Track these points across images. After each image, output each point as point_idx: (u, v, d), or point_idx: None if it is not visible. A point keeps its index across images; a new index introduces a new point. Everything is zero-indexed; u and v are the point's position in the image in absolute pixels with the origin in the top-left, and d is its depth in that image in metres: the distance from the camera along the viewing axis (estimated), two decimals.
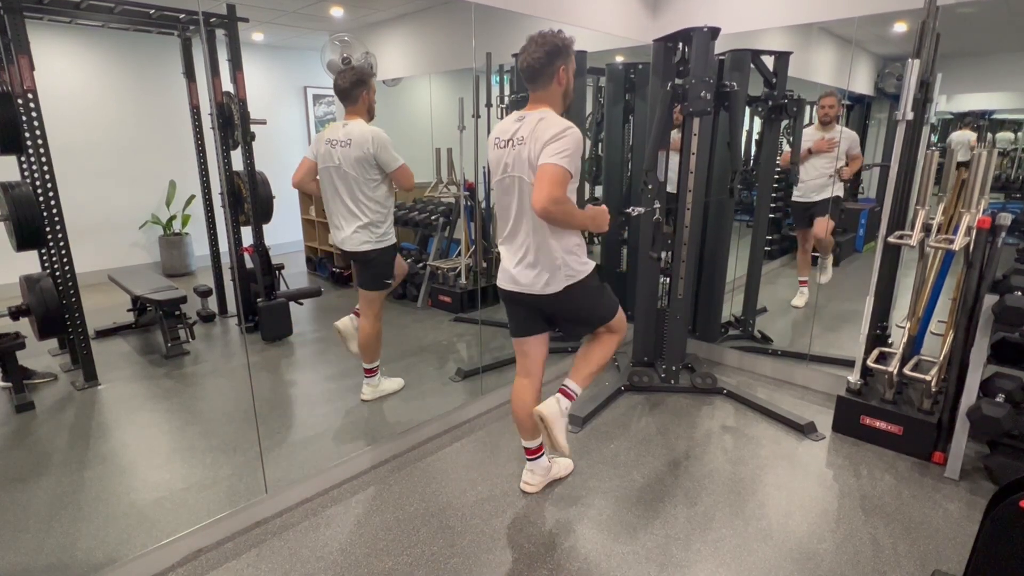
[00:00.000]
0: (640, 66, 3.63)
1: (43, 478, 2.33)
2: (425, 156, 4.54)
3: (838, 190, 3.72)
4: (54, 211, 2.90)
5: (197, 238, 4.91)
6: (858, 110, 3.96)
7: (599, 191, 4.20)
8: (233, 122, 3.68)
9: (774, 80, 3.20)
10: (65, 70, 4.39)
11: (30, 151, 2.80)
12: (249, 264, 3.94)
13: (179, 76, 4.00)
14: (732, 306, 3.85)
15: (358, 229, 2.63)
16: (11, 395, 2.89)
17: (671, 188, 3.10)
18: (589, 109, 3.97)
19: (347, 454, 2.45)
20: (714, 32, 2.81)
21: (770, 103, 3.24)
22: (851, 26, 3.07)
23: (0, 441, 2.63)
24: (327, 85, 5.33)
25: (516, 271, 1.99)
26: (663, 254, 3.06)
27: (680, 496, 2.29)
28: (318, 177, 2.69)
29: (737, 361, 3.61)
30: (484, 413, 2.96)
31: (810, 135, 3.71)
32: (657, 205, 2.92)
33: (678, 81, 2.81)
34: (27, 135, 2.78)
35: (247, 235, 3.92)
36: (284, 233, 5.04)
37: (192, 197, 4.87)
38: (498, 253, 2.09)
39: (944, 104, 3.64)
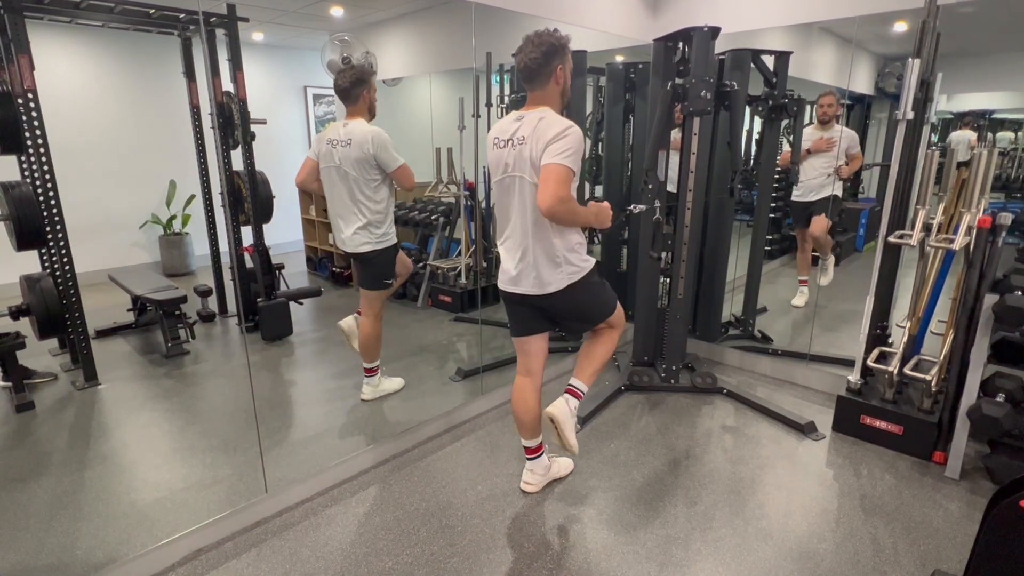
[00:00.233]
0: (640, 66, 3.62)
1: (43, 478, 2.33)
2: (425, 156, 4.53)
3: (837, 189, 3.72)
4: (54, 211, 2.90)
5: (197, 238, 4.92)
6: (858, 110, 3.96)
7: (599, 191, 4.20)
8: (233, 122, 3.68)
9: (774, 80, 3.19)
10: (65, 70, 4.39)
11: (30, 151, 2.80)
12: (249, 264, 3.94)
13: (179, 76, 4.00)
14: (732, 306, 3.85)
15: (358, 230, 2.63)
16: (11, 395, 2.89)
17: (671, 187, 3.10)
18: (589, 109, 3.97)
19: (347, 454, 2.46)
20: (714, 32, 2.80)
21: (770, 103, 3.24)
22: (851, 26, 3.07)
23: (0, 441, 2.63)
24: (327, 85, 5.34)
25: (517, 272, 1.99)
26: (663, 254, 3.06)
27: (680, 496, 2.29)
28: (320, 177, 2.69)
29: (737, 361, 3.61)
30: (484, 413, 2.96)
31: (809, 135, 3.71)
32: (657, 204, 2.92)
33: (678, 81, 2.81)
34: (27, 135, 2.78)
35: (247, 235, 3.92)
36: (284, 233, 5.04)
37: (192, 197, 4.87)
38: (498, 253, 2.08)
39: (944, 104, 3.64)
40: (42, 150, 2.82)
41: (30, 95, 2.75)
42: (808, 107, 3.65)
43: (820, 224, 3.76)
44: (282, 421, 2.83)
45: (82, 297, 3.06)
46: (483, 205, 4.45)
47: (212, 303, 4.19)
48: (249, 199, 3.80)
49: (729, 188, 3.31)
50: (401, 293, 4.67)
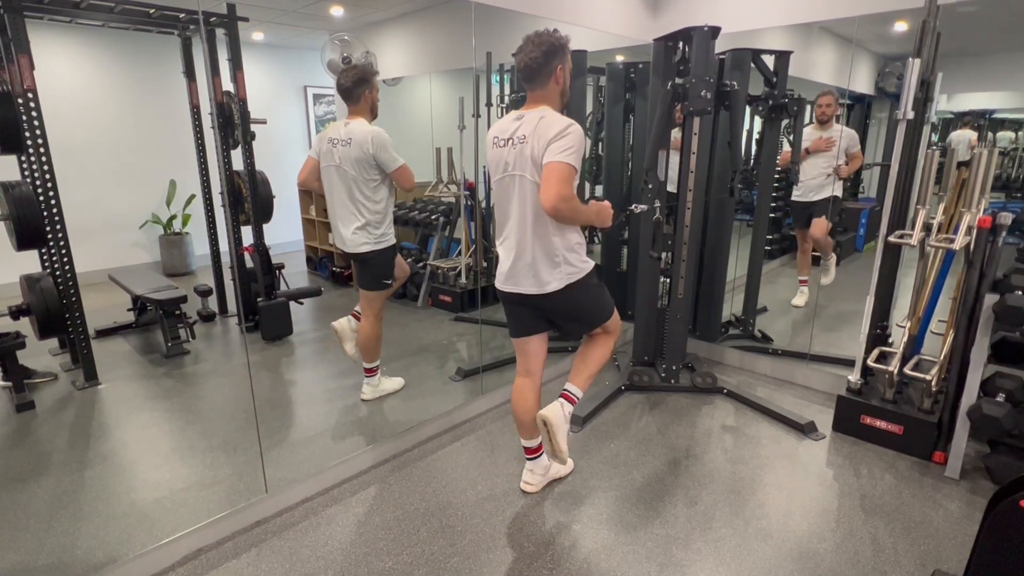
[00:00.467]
0: (640, 65, 3.62)
1: (43, 478, 2.33)
2: (425, 155, 4.53)
3: (837, 190, 3.72)
4: (54, 210, 2.90)
5: (197, 238, 4.92)
6: (859, 109, 3.96)
7: (599, 190, 4.20)
8: (233, 121, 3.68)
9: (774, 79, 3.19)
10: (65, 70, 4.39)
11: (30, 150, 2.80)
12: (249, 264, 3.94)
13: (179, 75, 4.00)
14: (732, 305, 3.85)
15: (357, 230, 2.62)
16: (11, 394, 2.89)
17: (671, 188, 3.10)
18: (589, 108, 3.97)
19: (347, 453, 2.46)
20: (714, 31, 2.80)
21: (770, 102, 3.24)
22: (852, 25, 3.07)
23: (0, 440, 2.63)
24: (327, 84, 5.36)
25: (515, 272, 1.98)
26: (663, 255, 3.06)
27: (680, 495, 2.29)
28: (320, 176, 2.69)
29: (737, 360, 3.61)
30: (484, 412, 2.96)
31: (808, 135, 3.70)
32: (657, 204, 2.92)
33: (678, 80, 2.80)
34: (27, 134, 2.78)
35: (247, 234, 3.92)
36: (284, 232, 5.04)
37: (192, 196, 4.87)
38: (498, 253, 2.08)
39: (944, 103, 3.64)
40: (42, 150, 2.82)
41: (30, 95, 2.75)
42: (808, 107, 3.64)
43: (821, 226, 3.76)
44: (282, 421, 2.83)
45: (82, 297, 3.06)
46: (483, 205, 4.45)
47: (212, 303, 4.19)
48: (249, 199, 3.80)
49: (729, 188, 3.30)
50: (401, 293, 4.67)
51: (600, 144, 4.14)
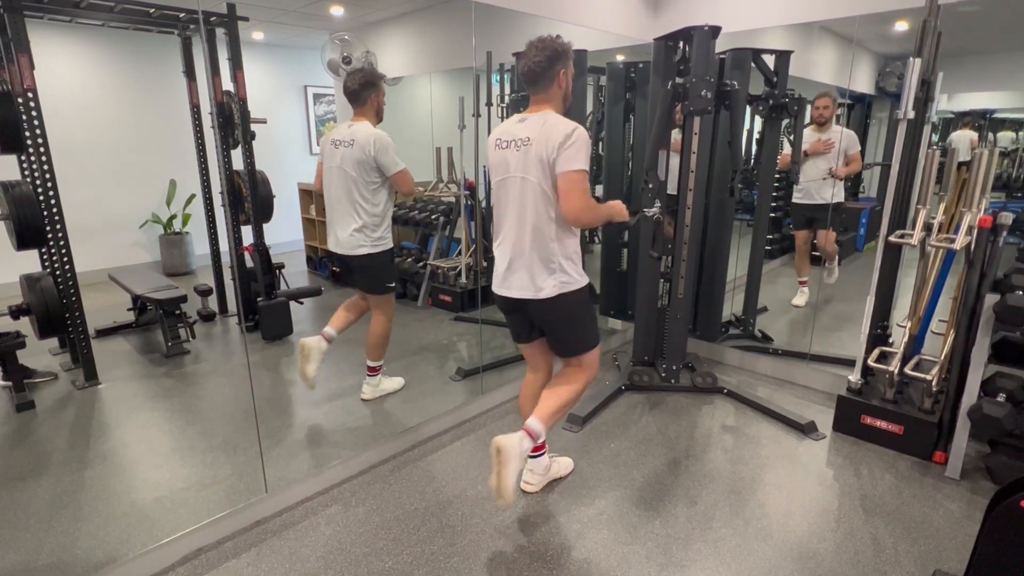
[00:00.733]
0: (641, 65, 3.62)
1: (43, 477, 2.33)
2: (425, 155, 4.53)
3: (839, 194, 3.72)
4: (54, 210, 2.90)
5: (197, 237, 4.92)
6: (859, 109, 3.95)
7: (599, 190, 4.20)
8: (233, 121, 3.68)
9: (775, 79, 3.19)
10: (65, 69, 4.39)
11: (30, 150, 2.80)
12: (249, 263, 3.94)
13: (179, 75, 4.00)
14: (732, 305, 3.85)
15: (354, 231, 2.61)
16: (11, 394, 2.89)
17: (671, 190, 3.10)
18: (590, 108, 3.97)
19: (347, 453, 2.46)
20: (715, 31, 2.80)
21: (771, 102, 3.23)
22: (852, 25, 3.07)
23: (0, 440, 2.63)
24: (327, 84, 5.36)
25: (510, 274, 1.96)
26: (663, 259, 3.06)
27: (680, 495, 2.29)
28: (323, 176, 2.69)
29: (738, 360, 3.61)
30: (484, 412, 2.96)
31: (807, 136, 3.71)
32: (658, 205, 2.91)
33: (679, 80, 2.80)
34: (27, 134, 2.78)
35: (247, 234, 3.92)
36: (284, 232, 5.04)
37: (192, 196, 4.87)
38: (495, 255, 2.07)
39: (945, 103, 3.63)
40: (42, 149, 2.82)
41: (30, 94, 2.75)
42: (808, 106, 3.64)
43: (828, 238, 3.82)
44: (282, 421, 2.83)
45: (82, 296, 3.06)
46: (483, 204, 4.44)
47: (212, 302, 4.19)
48: (249, 198, 3.80)
49: (729, 187, 3.30)
50: (401, 293, 4.67)
51: (600, 144, 4.13)
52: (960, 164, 2.59)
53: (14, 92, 2.72)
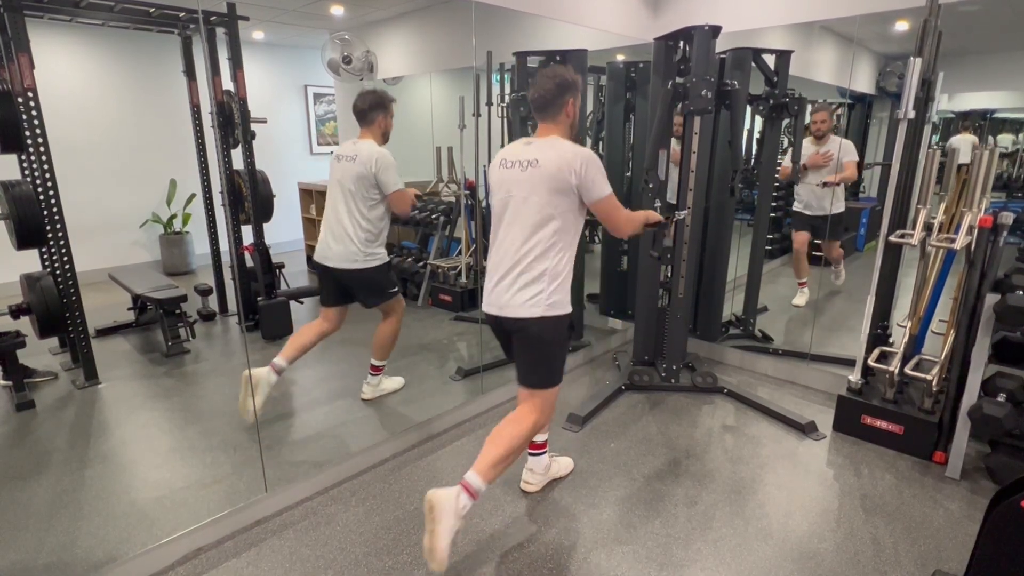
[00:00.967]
0: (641, 65, 3.62)
1: (43, 476, 2.33)
2: (426, 155, 4.53)
3: (839, 206, 3.75)
4: (54, 209, 2.90)
5: (197, 237, 4.92)
6: (860, 109, 3.95)
7: None
8: (233, 121, 3.68)
9: (775, 79, 3.19)
10: (65, 69, 4.39)
11: (30, 150, 2.80)
12: (249, 263, 3.94)
13: (179, 75, 3.99)
14: (733, 305, 3.85)
15: (347, 245, 2.59)
16: (12, 393, 2.89)
17: (670, 199, 3.10)
18: (590, 108, 3.97)
19: (347, 453, 2.46)
20: (715, 30, 2.80)
21: (771, 102, 3.24)
22: (852, 24, 3.07)
23: (0, 439, 2.63)
24: (328, 83, 5.36)
25: (499, 289, 1.91)
26: (663, 269, 3.06)
27: (680, 495, 2.29)
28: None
29: (738, 360, 3.61)
30: (484, 412, 2.96)
31: (806, 148, 3.74)
32: (658, 204, 2.91)
33: (679, 80, 2.80)
34: (27, 133, 2.78)
35: (247, 234, 3.92)
36: (284, 232, 5.04)
37: (192, 196, 4.87)
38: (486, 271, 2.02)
39: (946, 103, 3.63)
40: (42, 149, 2.82)
41: (30, 94, 2.75)
42: (809, 106, 3.64)
43: (831, 248, 3.88)
44: (282, 420, 2.83)
45: (82, 296, 3.06)
46: (483, 204, 4.44)
47: (212, 302, 4.20)
48: (249, 198, 3.80)
49: (730, 187, 3.30)
50: (402, 292, 4.67)
51: (600, 143, 4.13)
52: (960, 166, 2.59)
53: (14, 91, 2.72)
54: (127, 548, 1.92)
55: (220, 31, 3.55)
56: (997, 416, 2.22)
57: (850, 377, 2.75)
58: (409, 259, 4.78)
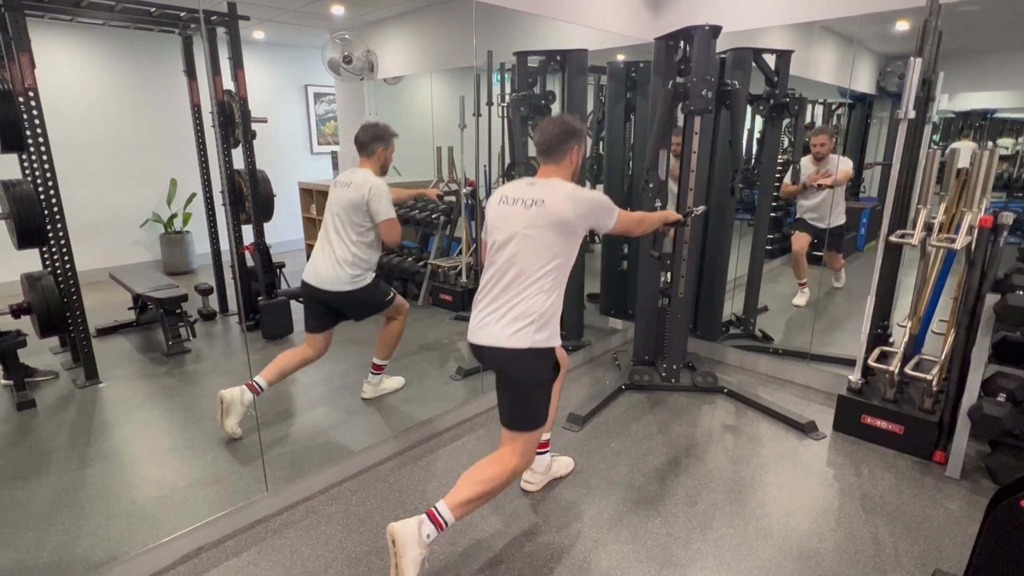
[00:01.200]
0: (641, 64, 3.62)
1: (44, 476, 2.33)
2: (426, 154, 4.54)
3: (840, 216, 3.82)
4: (55, 209, 2.90)
5: (198, 236, 4.92)
6: (860, 109, 3.95)
7: (600, 190, 4.20)
8: (234, 120, 3.68)
9: (776, 79, 3.19)
10: (66, 68, 4.39)
11: (31, 149, 2.80)
12: (250, 262, 3.95)
13: (180, 74, 4.00)
14: (733, 305, 3.85)
15: (335, 268, 2.58)
16: (12, 393, 2.89)
17: (671, 208, 3.10)
18: (590, 108, 3.97)
19: (347, 452, 2.46)
20: (715, 30, 2.80)
21: (772, 102, 3.24)
22: (853, 24, 3.07)
23: (1, 439, 2.63)
24: (328, 83, 5.36)
25: (487, 319, 1.86)
26: (663, 275, 3.07)
27: (680, 495, 2.29)
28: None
29: (738, 360, 3.61)
30: (485, 411, 2.96)
31: (805, 167, 3.79)
32: (658, 204, 2.91)
33: (679, 79, 2.80)
34: (28, 133, 2.78)
35: (248, 233, 3.92)
36: (285, 231, 5.04)
37: (193, 195, 4.87)
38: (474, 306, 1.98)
39: (946, 103, 3.63)
40: (43, 148, 2.82)
41: (31, 93, 2.75)
42: (809, 106, 3.64)
43: (836, 262, 3.99)
44: (283, 419, 2.83)
45: (83, 295, 3.07)
46: (483, 204, 4.45)
47: (213, 301, 4.20)
48: (250, 197, 3.80)
49: (730, 187, 3.30)
50: (402, 292, 4.67)
51: (601, 143, 4.13)
52: (959, 171, 2.60)
53: (15, 91, 2.72)
54: (128, 547, 1.92)
55: (221, 31, 3.56)
56: (997, 416, 2.22)
57: (850, 377, 2.75)
58: (409, 259, 4.79)
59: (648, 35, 3.49)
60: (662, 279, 3.09)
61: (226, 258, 4.22)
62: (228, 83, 3.61)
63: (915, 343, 2.80)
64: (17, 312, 3.00)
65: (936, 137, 3.63)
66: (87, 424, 2.78)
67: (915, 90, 2.40)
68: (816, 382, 3.27)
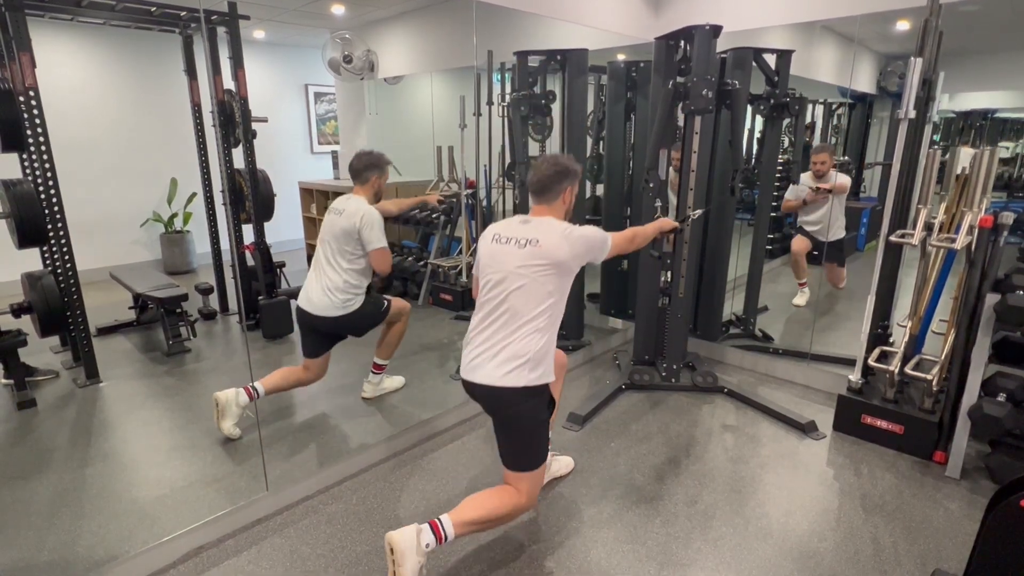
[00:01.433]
0: (642, 64, 3.62)
1: (45, 475, 2.34)
2: (426, 154, 4.53)
3: (839, 232, 3.87)
4: (56, 208, 2.90)
5: (198, 236, 4.93)
6: (860, 108, 3.95)
7: (600, 189, 4.20)
8: (234, 120, 3.68)
9: (776, 78, 3.19)
10: (67, 68, 4.39)
11: (32, 148, 2.80)
12: (250, 262, 3.95)
13: (180, 74, 4.00)
14: (733, 305, 3.85)
15: (326, 294, 2.57)
16: (13, 392, 2.90)
17: (671, 216, 3.10)
18: (591, 107, 3.97)
19: (348, 452, 2.46)
20: (716, 30, 2.80)
21: (772, 101, 3.23)
22: (853, 24, 3.07)
23: (2, 438, 2.63)
24: (328, 83, 5.36)
25: (481, 359, 1.83)
26: (663, 274, 3.07)
27: (680, 495, 2.29)
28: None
29: (738, 360, 3.61)
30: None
31: (805, 182, 3.81)
32: (659, 204, 2.91)
33: (680, 79, 2.80)
34: (29, 132, 2.78)
35: (248, 233, 3.93)
36: (285, 231, 5.05)
37: (193, 195, 4.88)
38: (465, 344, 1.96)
39: (946, 103, 3.63)
40: (43, 148, 2.82)
41: (31, 93, 2.75)
42: (810, 106, 3.64)
43: (839, 278, 4.02)
44: (283, 419, 2.83)
45: (83, 295, 3.07)
46: (483, 203, 4.45)
47: (213, 301, 4.20)
48: (250, 197, 3.80)
49: (730, 187, 3.30)
50: (402, 292, 4.67)
51: (601, 143, 4.13)
52: (958, 175, 2.60)
53: (16, 90, 2.72)
54: (128, 546, 1.92)
55: (221, 30, 3.56)
56: (997, 416, 2.22)
57: (850, 377, 2.75)
58: (410, 258, 4.79)
59: (648, 35, 3.49)
60: (662, 279, 3.09)
61: (226, 257, 4.22)
62: (228, 82, 3.61)
63: (915, 343, 2.80)
64: (18, 311, 3.00)
65: (936, 137, 3.63)
66: (87, 423, 2.78)
67: (915, 90, 2.40)
68: (816, 382, 3.27)
